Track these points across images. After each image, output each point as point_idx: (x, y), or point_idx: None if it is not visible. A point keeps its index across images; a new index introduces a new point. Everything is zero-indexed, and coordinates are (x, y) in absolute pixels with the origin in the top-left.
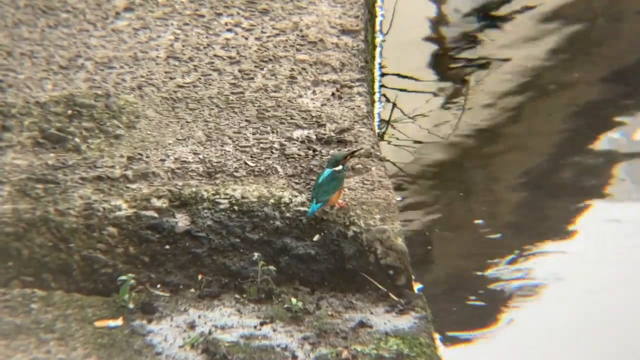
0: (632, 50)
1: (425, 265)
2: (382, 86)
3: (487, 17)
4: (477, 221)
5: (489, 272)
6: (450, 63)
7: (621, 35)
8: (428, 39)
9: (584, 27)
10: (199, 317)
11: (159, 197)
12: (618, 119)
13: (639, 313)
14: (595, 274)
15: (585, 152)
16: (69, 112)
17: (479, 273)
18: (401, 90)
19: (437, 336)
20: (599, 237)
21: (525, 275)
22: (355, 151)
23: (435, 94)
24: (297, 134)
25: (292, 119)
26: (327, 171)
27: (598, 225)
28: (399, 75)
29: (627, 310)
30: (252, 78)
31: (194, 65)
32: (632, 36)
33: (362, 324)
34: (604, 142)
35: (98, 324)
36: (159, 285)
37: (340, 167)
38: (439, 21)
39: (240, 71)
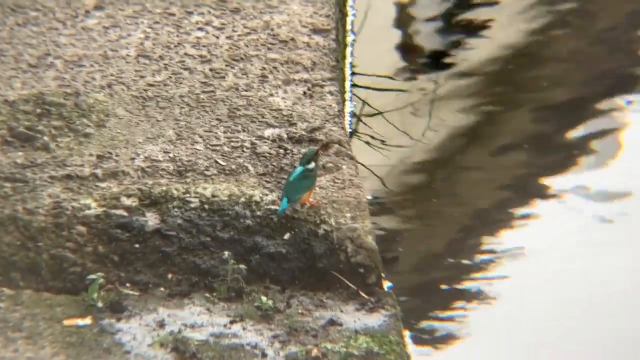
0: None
1: (395, 263)
2: (353, 85)
3: (457, 19)
4: (446, 220)
5: (460, 270)
6: (421, 62)
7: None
8: (399, 37)
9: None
10: (169, 315)
11: (129, 196)
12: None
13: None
14: (562, 270)
15: (555, 150)
16: (38, 110)
17: (449, 271)
18: (372, 89)
19: (406, 334)
20: (565, 234)
21: (493, 274)
22: (326, 143)
23: (405, 93)
24: (268, 132)
25: (263, 117)
26: (299, 169)
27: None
28: (369, 74)
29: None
30: (223, 77)
31: (165, 64)
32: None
33: (332, 322)
34: (576, 140)
35: (67, 322)
36: (128, 284)
37: (312, 164)
38: (409, 20)
39: (211, 70)
